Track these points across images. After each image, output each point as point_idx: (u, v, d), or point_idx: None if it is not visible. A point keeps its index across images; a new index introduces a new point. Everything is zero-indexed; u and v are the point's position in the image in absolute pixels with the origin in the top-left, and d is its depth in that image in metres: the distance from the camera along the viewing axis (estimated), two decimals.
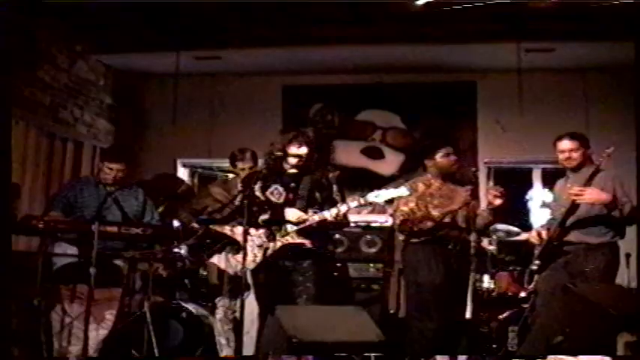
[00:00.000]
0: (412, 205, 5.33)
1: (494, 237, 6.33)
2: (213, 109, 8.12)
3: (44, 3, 6.12)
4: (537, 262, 5.19)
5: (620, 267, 5.30)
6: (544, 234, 5.23)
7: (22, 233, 5.29)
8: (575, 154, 5.20)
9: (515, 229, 6.43)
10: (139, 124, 8.34)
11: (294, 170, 5.27)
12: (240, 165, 5.74)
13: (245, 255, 4.96)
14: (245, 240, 4.92)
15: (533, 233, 5.35)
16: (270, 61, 7.82)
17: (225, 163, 6.56)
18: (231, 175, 6.17)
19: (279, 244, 5.17)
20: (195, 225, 5.60)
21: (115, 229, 4.93)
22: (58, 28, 7.04)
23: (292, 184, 5.27)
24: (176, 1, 6.35)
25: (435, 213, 5.30)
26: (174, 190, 6.58)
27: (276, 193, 5.28)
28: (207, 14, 6.72)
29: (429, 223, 5.30)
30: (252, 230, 5.14)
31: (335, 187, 5.26)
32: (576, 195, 4.97)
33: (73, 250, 5.25)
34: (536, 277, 5.22)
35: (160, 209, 6.08)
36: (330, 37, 7.15)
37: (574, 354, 3.94)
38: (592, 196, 4.95)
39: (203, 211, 5.73)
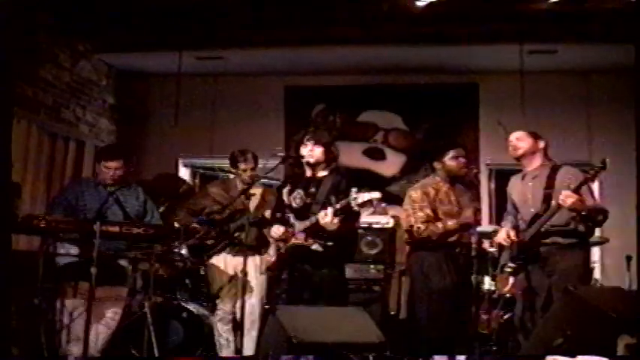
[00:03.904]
0: (428, 211, 5.31)
1: (494, 238, 6.31)
2: (215, 110, 8.12)
3: (47, 2, 6.13)
4: (512, 264, 5.10)
5: (621, 269, 5.28)
6: (512, 235, 5.14)
7: (23, 233, 5.29)
8: (521, 144, 5.17)
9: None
10: (140, 124, 8.35)
11: (309, 173, 5.33)
12: (242, 166, 5.74)
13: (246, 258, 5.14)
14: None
15: (503, 234, 5.20)
16: (272, 62, 7.84)
17: (227, 164, 6.57)
18: (231, 176, 6.17)
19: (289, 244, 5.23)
20: (196, 225, 5.61)
21: (116, 228, 4.92)
22: (61, 28, 7.04)
23: (312, 189, 5.29)
24: (179, 1, 6.37)
25: (449, 223, 5.27)
26: (175, 190, 6.60)
27: (298, 197, 5.32)
28: (210, 14, 6.72)
29: (441, 230, 5.27)
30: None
31: (354, 190, 5.15)
32: (564, 199, 4.86)
33: (75, 249, 5.26)
34: (511, 279, 5.17)
35: (162, 209, 6.08)
36: (333, 38, 7.15)
37: (574, 356, 3.94)
38: (574, 200, 4.85)
39: (201, 211, 5.73)
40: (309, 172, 5.35)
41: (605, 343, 4.14)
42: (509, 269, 5.11)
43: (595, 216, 4.93)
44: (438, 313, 5.23)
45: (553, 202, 4.91)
